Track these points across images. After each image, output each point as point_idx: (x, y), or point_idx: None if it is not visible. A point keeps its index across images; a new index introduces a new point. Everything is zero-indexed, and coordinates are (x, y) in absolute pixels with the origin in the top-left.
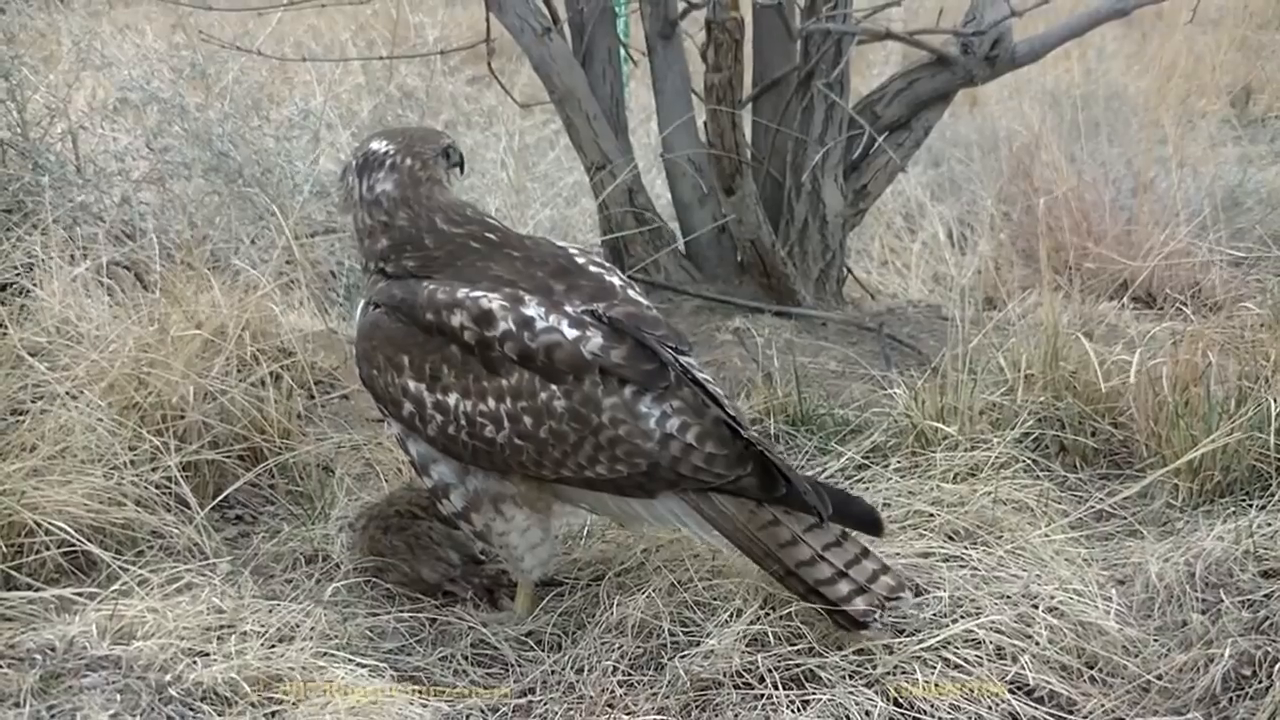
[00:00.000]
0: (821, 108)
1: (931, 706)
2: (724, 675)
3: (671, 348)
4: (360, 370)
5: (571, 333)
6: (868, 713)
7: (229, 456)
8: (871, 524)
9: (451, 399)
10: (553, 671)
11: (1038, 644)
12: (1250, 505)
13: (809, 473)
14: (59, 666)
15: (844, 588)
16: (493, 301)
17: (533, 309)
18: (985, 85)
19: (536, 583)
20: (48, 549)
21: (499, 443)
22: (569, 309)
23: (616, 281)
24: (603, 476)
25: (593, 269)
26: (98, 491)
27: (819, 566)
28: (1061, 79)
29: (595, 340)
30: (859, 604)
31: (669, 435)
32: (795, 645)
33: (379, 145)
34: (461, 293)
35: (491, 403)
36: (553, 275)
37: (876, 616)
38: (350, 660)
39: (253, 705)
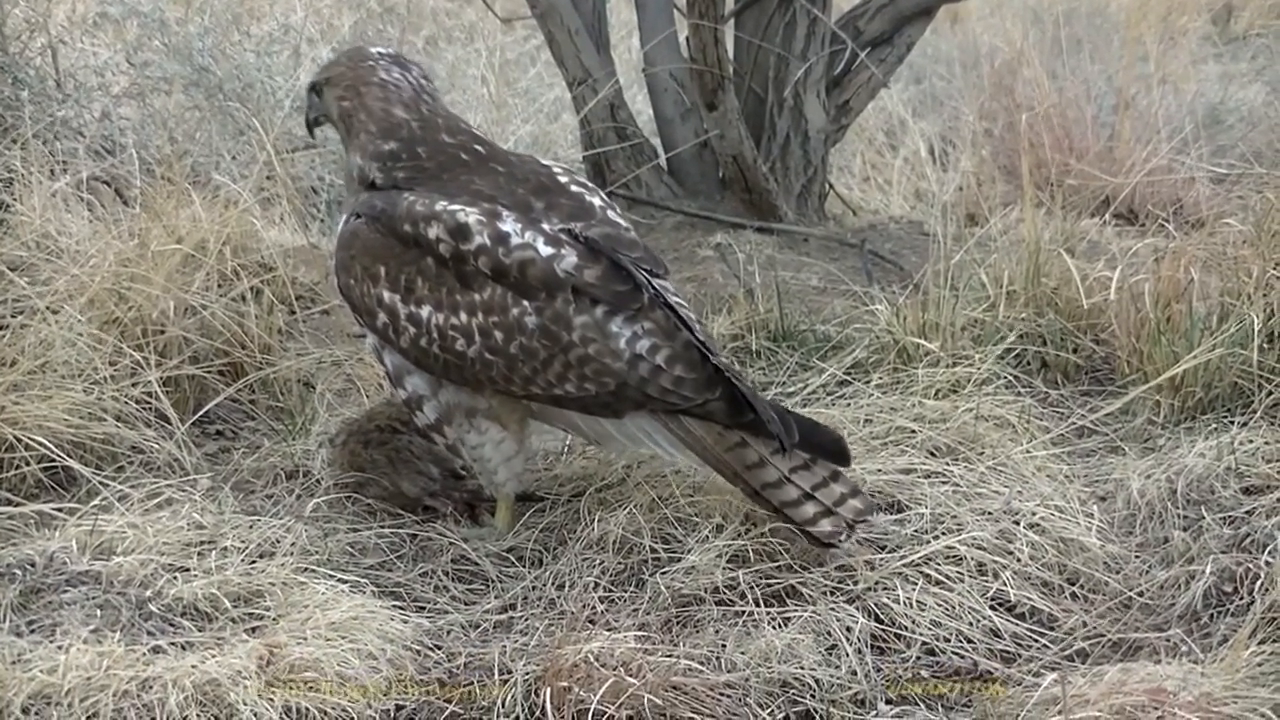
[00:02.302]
0: (804, 23)
1: (912, 622)
2: (705, 591)
3: (646, 270)
4: (338, 279)
5: (546, 250)
6: (849, 629)
7: (209, 372)
8: (838, 453)
9: (424, 311)
10: (534, 587)
11: (1019, 560)
12: (1232, 422)
13: (791, 389)
14: (39, 581)
15: (810, 509)
16: (469, 215)
17: (509, 224)
18: (967, 1)
19: (513, 496)
20: (28, 464)
21: (469, 357)
22: (546, 226)
23: (597, 202)
24: (571, 395)
25: (574, 188)
26: (78, 406)
27: (785, 489)
28: None
29: (570, 259)
30: (825, 525)
31: (638, 356)
32: (776, 562)
33: (392, 54)
34: (440, 205)
35: (463, 316)
36: (533, 193)
37: (842, 538)
38: (331, 576)
39: (233, 620)
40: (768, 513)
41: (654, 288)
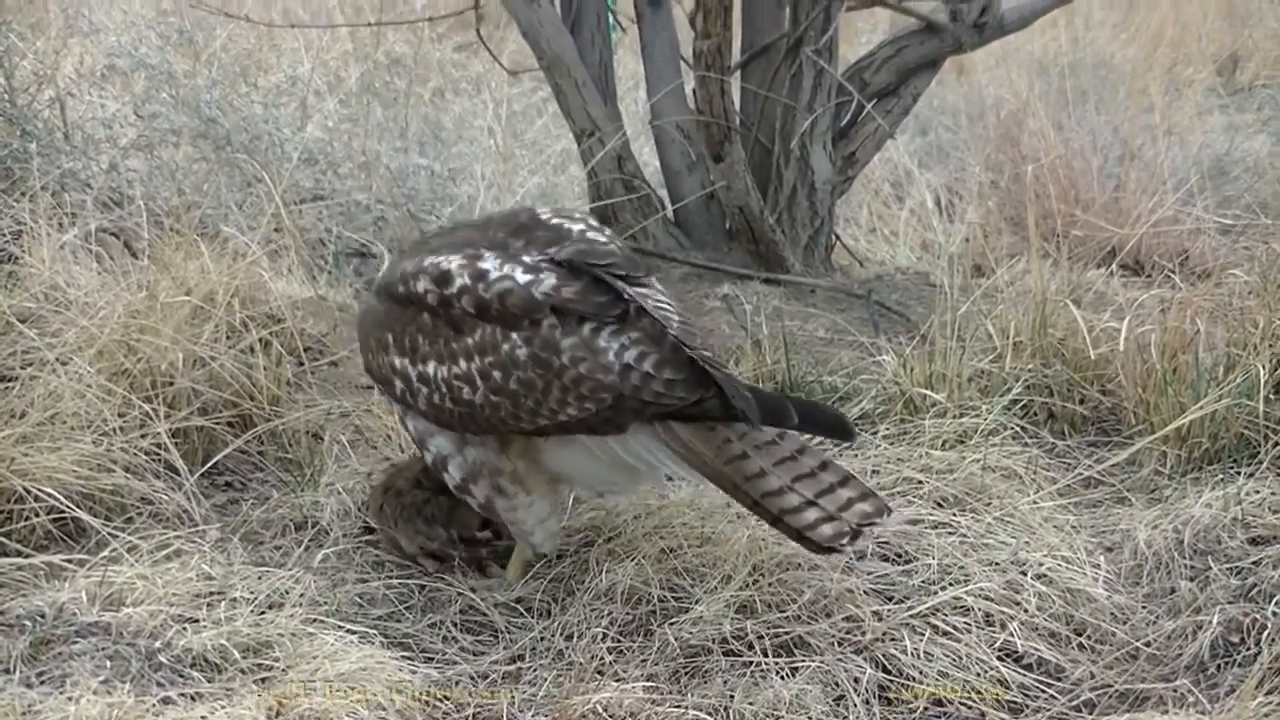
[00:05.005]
0: (810, 74)
1: (920, 673)
2: (713, 642)
3: (622, 275)
4: (363, 361)
5: (524, 278)
6: (856, 680)
7: (218, 423)
8: (839, 429)
9: (430, 368)
10: (542, 638)
11: (1026, 611)
12: (1238, 472)
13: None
14: (49, 633)
15: (810, 515)
16: (451, 262)
17: (489, 263)
18: (973, 53)
19: (546, 554)
20: (37, 515)
21: (477, 403)
22: (525, 259)
23: (577, 228)
24: (574, 418)
25: (554, 221)
26: (87, 458)
27: (786, 496)
28: (1049, 47)
29: (548, 281)
30: (825, 530)
31: (628, 366)
32: (784, 612)
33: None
34: (428, 261)
35: (463, 364)
36: (511, 233)
37: (844, 543)
38: (339, 627)
39: (242, 672)
40: (768, 523)
41: (632, 293)
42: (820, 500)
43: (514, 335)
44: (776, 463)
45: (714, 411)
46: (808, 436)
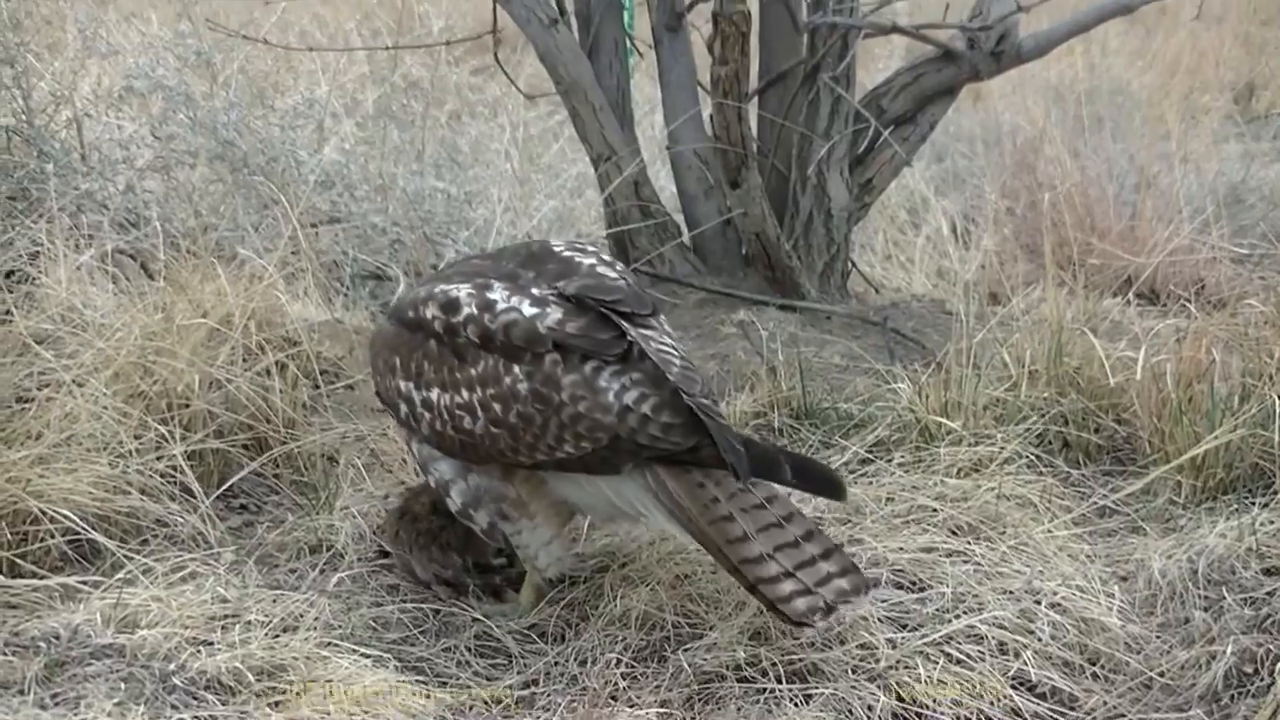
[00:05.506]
0: (827, 101)
1: (934, 701)
2: (727, 668)
3: (627, 313)
4: (374, 383)
5: (530, 310)
6: (870, 707)
7: (234, 446)
8: (830, 485)
9: (434, 395)
10: (556, 663)
11: (1040, 640)
12: (1253, 503)
13: None
14: (63, 654)
15: (786, 587)
16: (461, 290)
17: (497, 293)
18: (990, 80)
19: (550, 580)
20: (53, 537)
21: (477, 433)
22: (534, 291)
23: (587, 261)
24: (571, 455)
25: (565, 253)
26: (103, 480)
27: (765, 565)
28: (1065, 74)
29: (553, 315)
30: (798, 604)
31: (627, 407)
32: (798, 639)
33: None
34: (438, 288)
35: (465, 394)
36: (522, 264)
37: (817, 619)
38: (354, 650)
39: (256, 695)
40: (744, 589)
41: (636, 332)
42: (799, 572)
43: (516, 368)
44: (761, 528)
45: (709, 459)
46: (800, 497)
